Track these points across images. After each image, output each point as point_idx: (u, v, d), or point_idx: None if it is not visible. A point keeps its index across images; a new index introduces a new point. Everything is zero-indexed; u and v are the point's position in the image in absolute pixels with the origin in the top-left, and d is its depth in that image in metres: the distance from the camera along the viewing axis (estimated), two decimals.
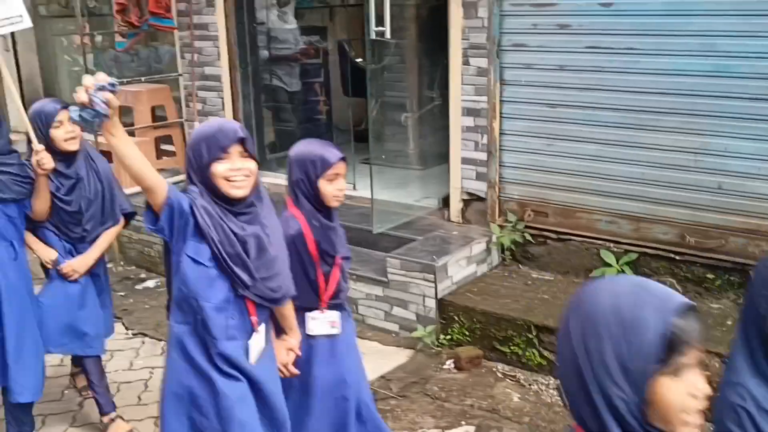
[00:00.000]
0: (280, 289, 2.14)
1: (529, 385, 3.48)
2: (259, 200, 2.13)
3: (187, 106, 5.72)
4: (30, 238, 3.03)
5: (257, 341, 2.16)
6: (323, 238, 2.41)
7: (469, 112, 4.24)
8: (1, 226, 2.86)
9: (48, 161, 2.80)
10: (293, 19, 5.91)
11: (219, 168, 1.99)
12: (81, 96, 1.80)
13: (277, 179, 5.58)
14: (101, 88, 1.80)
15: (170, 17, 5.51)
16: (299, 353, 2.40)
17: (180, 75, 5.72)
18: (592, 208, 3.96)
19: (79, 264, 3.07)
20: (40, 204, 2.92)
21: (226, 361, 2.10)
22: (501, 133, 4.17)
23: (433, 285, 3.81)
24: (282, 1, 5.81)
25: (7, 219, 2.88)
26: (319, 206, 2.40)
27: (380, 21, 3.92)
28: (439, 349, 3.79)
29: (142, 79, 6.02)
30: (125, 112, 5.70)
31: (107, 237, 3.17)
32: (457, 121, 4.30)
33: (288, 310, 2.31)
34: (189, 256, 2.03)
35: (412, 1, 4.86)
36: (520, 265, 4.22)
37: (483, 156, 4.24)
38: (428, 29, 4.83)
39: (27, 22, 2.99)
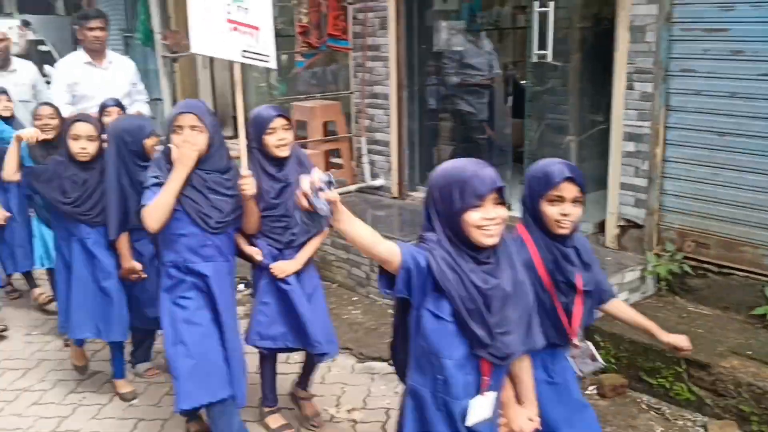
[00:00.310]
0: (513, 344, 1.94)
1: (675, 419, 3.36)
2: (504, 244, 1.96)
3: (356, 122, 6.06)
4: (239, 239, 3.09)
5: (481, 404, 1.97)
6: (555, 266, 2.21)
7: (631, 137, 4.17)
8: (223, 245, 2.91)
9: (251, 187, 2.86)
10: (487, 43, 6.06)
11: (473, 217, 1.85)
12: (302, 202, 1.81)
13: None
14: (320, 190, 1.78)
15: (346, 39, 5.89)
16: (539, 426, 2.17)
17: (351, 93, 6.08)
18: (758, 242, 3.75)
19: (288, 265, 3.12)
20: (250, 220, 2.99)
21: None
22: (664, 160, 4.06)
23: None
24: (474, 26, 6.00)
25: (228, 237, 2.94)
26: (544, 229, 2.21)
27: (543, 44, 3.97)
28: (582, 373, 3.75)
29: (317, 95, 6.46)
30: (300, 125, 6.15)
31: (314, 243, 3.20)
32: (618, 145, 4.24)
33: (525, 373, 2.14)
34: (429, 311, 1.91)
35: (577, 24, 4.86)
36: (677, 297, 4.07)
37: (643, 182, 4.15)
38: (592, 52, 4.80)
39: (272, 64, 3.15)
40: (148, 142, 3.42)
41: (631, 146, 4.18)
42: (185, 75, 9.21)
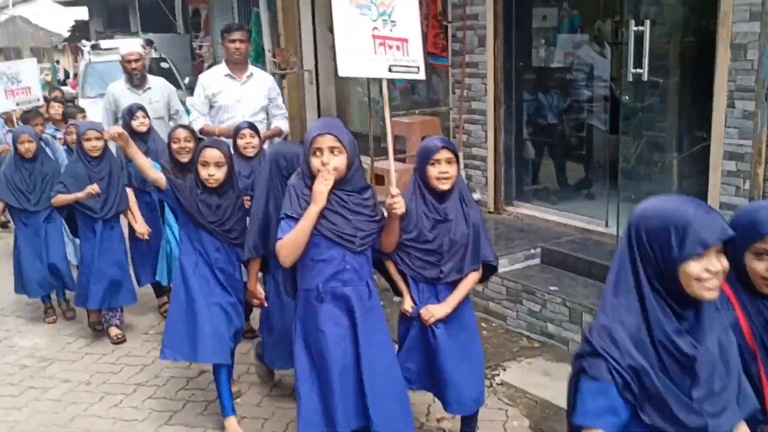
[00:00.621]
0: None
1: None
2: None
3: (454, 137, 6.18)
4: (391, 266, 3.05)
5: None
6: (764, 330, 1.91)
7: (732, 156, 4.09)
8: (362, 268, 2.84)
9: (401, 207, 2.78)
10: (586, 58, 6.07)
11: (694, 268, 1.59)
12: None
13: (532, 211, 5.81)
14: None
15: (445, 56, 6.04)
16: None
17: (450, 108, 6.21)
18: None
19: (437, 309, 2.98)
20: (390, 239, 2.92)
21: None
22: (765, 180, 3.96)
23: None
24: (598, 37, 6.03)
25: (366, 259, 2.87)
26: (750, 285, 1.90)
27: (639, 63, 3.97)
28: None
29: (416, 111, 6.63)
30: (399, 140, 6.34)
31: (468, 283, 3.03)
32: (718, 164, 4.17)
33: None
34: None
35: (676, 41, 4.79)
36: None
37: (744, 202, 4.06)
38: (692, 70, 4.72)
39: (422, 74, 3.09)
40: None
41: (731, 165, 4.10)
42: (293, 90, 9.65)
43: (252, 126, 4.38)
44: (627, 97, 4.71)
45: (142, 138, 4.86)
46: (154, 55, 13.31)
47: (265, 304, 3.58)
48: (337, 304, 2.79)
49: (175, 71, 13.23)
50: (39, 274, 5.21)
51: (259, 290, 3.55)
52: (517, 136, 5.93)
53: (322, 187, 2.65)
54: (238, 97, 5.12)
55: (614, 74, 5.69)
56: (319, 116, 9.35)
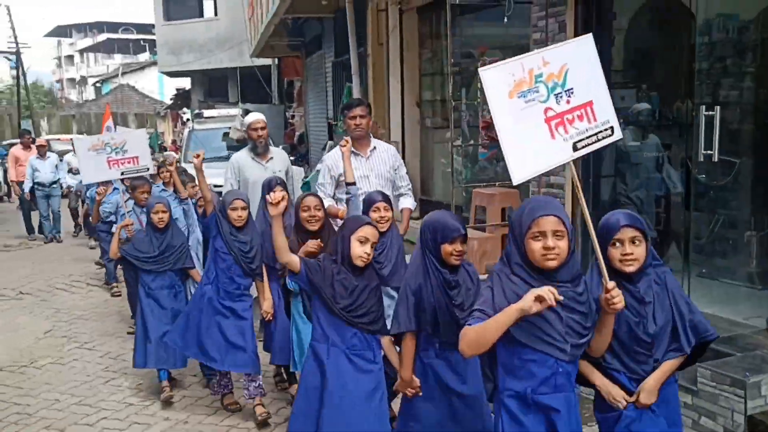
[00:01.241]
0: None
1: None
2: None
3: None
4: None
5: None
6: None
7: None
8: (574, 372, 2.56)
9: (620, 301, 2.46)
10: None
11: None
12: None
13: None
14: None
15: None
16: None
17: (529, 182, 6.51)
18: None
19: (650, 391, 2.64)
20: (603, 341, 2.59)
21: None
22: None
23: (742, 401, 3.85)
24: None
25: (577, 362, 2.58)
26: None
27: (709, 145, 4.21)
28: None
29: (496, 183, 6.97)
30: (479, 210, 6.67)
31: (667, 368, 2.68)
32: None
33: None
34: None
35: (748, 123, 4.99)
36: None
37: None
38: (765, 149, 4.89)
39: (617, 133, 2.76)
40: (446, 248, 3.04)
41: None
42: None
43: (386, 198, 4.19)
44: (703, 176, 4.91)
45: None
46: None
47: (420, 394, 3.17)
48: (542, 413, 2.47)
49: (269, 139, 14.01)
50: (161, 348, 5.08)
51: (416, 381, 3.15)
52: (595, 209, 6.15)
53: (545, 292, 2.24)
54: (365, 173, 4.97)
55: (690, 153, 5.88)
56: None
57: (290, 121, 19.57)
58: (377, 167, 5.05)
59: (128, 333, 6.44)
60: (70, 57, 69.71)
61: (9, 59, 35.87)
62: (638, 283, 2.63)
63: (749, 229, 5.04)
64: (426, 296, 3.03)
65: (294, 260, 3.33)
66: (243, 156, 5.98)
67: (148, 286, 5.20)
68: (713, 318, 4.72)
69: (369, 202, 4.14)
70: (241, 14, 19.16)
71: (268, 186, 4.77)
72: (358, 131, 5.04)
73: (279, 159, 6.03)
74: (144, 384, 5.54)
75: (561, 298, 2.28)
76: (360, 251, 3.23)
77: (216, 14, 25.60)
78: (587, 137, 2.63)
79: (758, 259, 5.31)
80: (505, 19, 5.89)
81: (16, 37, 30.92)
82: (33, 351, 6.51)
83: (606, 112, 2.65)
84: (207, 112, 15.86)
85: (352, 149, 4.95)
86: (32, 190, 12.14)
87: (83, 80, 65.66)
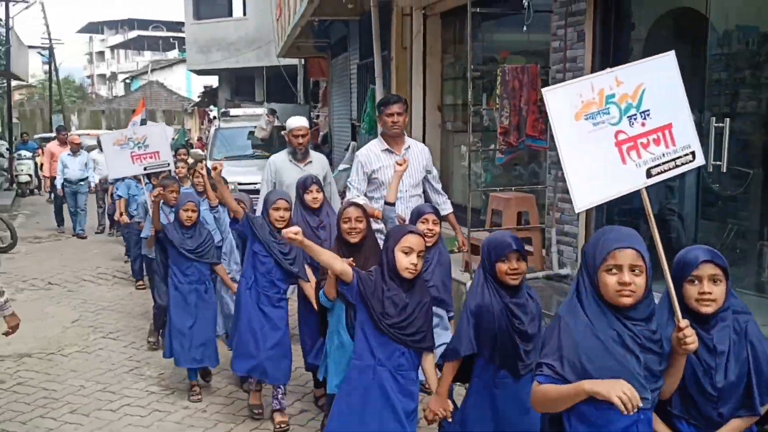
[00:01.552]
0: None
1: None
2: None
3: (548, 213, 6.57)
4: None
5: None
6: None
7: None
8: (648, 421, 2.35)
9: (694, 341, 2.30)
10: None
11: None
12: None
13: None
14: None
15: (544, 139, 6.49)
16: None
17: (546, 187, 6.63)
18: None
19: None
20: (674, 382, 2.40)
21: None
22: None
23: None
24: None
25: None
26: None
27: (719, 155, 4.30)
28: None
29: (512, 188, 7.08)
30: (496, 214, 6.78)
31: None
32: None
33: None
34: None
35: (760, 134, 5.06)
36: None
37: None
38: None
39: (699, 159, 2.60)
40: (501, 267, 2.97)
41: None
42: None
43: (436, 211, 4.10)
44: (717, 186, 4.99)
45: (315, 213, 4.68)
46: (277, 123, 14.37)
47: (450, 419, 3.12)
48: None
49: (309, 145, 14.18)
50: (189, 348, 5.17)
51: (449, 404, 3.11)
52: (608, 215, 6.25)
53: (629, 398, 2.02)
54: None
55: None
56: None
57: (315, 120, 19.78)
58: (410, 166, 4.88)
59: (149, 342, 6.51)
60: (101, 53, 70.76)
61: (42, 54, 36.56)
62: (712, 329, 2.42)
63: (755, 238, 5.11)
64: (486, 319, 2.94)
65: (348, 271, 3.20)
66: (281, 158, 5.89)
67: (178, 280, 5.25)
68: None
69: (418, 213, 4.04)
70: (269, 14, 19.43)
71: (303, 185, 4.71)
72: (395, 129, 4.95)
73: (318, 163, 5.90)
74: (166, 374, 5.75)
75: (640, 405, 2.06)
76: (406, 262, 3.09)
77: (245, 14, 25.92)
78: (664, 162, 2.48)
79: (763, 268, 5.37)
80: (524, 28, 5.98)
81: (49, 33, 31.56)
82: (60, 339, 6.76)
83: (687, 136, 2.50)
84: (233, 111, 16.12)
85: (387, 147, 4.93)
86: (62, 185, 12.45)
87: (113, 76, 66.63)
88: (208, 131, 17.50)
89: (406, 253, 3.10)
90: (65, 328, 7.15)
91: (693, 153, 2.52)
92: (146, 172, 6.42)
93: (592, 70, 5.91)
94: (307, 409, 5.03)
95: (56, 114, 34.14)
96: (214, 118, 21.16)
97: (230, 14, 27.65)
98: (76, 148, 12.53)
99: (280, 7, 16.80)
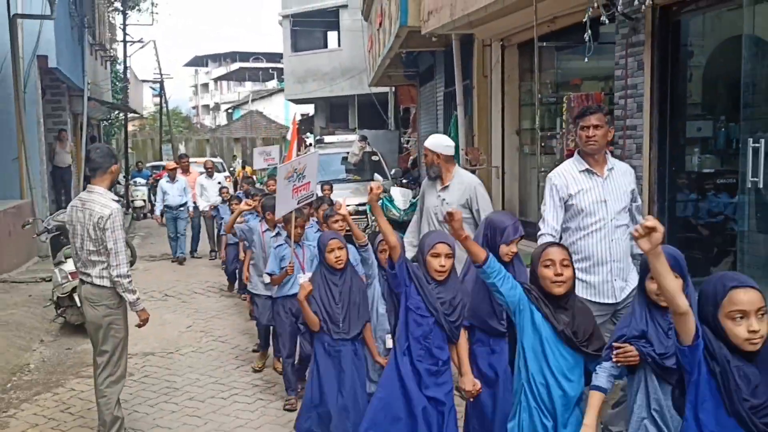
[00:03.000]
0: None
1: None
2: None
3: None
4: None
5: None
6: None
7: None
8: None
9: None
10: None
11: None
12: None
13: None
14: None
15: None
16: None
17: None
18: None
19: None
20: None
21: None
22: None
23: None
24: None
25: None
26: None
27: (755, 173, 4.73)
28: None
29: None
30: None
31: None
32: None
33: None
34: None
35: None
36: None
37: None
38: None
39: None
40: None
41: None
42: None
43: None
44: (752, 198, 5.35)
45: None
46: (368, 149, 15.23)
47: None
48: None
49: (383, 163, 15.06)
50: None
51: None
52: (671, 230, 6.65)
53: None
54: (602, 197, 4.13)
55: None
56: (503, 207, 10.49)
57: (405, 146, 20.58)
58: (616, 190, 4.20)
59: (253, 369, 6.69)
60: (205, 85, 74.73)
61: (153, 88, 39.27)
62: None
63: None
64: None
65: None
66: (425, 184, 5.62)
67: (327, 342, 4.25)
68: None
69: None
70: (362, 45, 20.51)
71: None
72: (592, 145, 4.15)
73: (457, 189, 5.23)
74: (269, 369, 6.59)
75: None
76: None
77: (339, 45, 27.27)
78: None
79: None
80: (586, 59, 6.52)
81: (160, 69, 33.96)
82: (177, 341, 7.76)
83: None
84: (327, 138, 17.18)
85: (587, 168, 4.17)
86: (162, 212, 12.75)
87: (216, 107, 70.19)
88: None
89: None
90: (180, 332, 8.15)
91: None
92: (299, 205, 5.27)
93: (652, 96, 6.43)
94: None
95: (165, 144, 36.54)
96: (310, 144, 22.32)
97: (325, 46, 29.14)
98: (173, 175, 12.86)
99: (372, 40, 17.82)
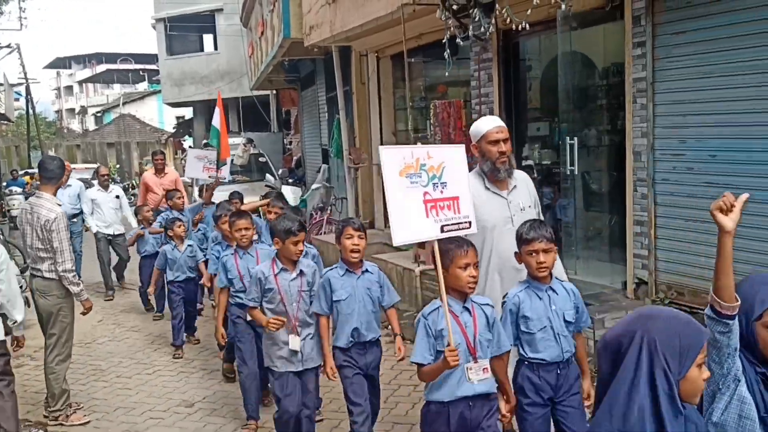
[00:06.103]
0: None
1: None
2: None
3: None
4: None
5: None
6: None
7: (637, 222, 6.22)
8: None
9: None
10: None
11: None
12: None
13: None
14: None
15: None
16: None
17: None
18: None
19: None
20: None
21: None
22: (656, 238, 6.08)
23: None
24: None
25: None
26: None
27: (572, 163, 6.21)
28: None
29: None
30: None
31: None
32: (630, 228, 6.30)
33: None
34: None
35: (603, 148, 7.03)
36: None
37: (646, 253, 6.16)
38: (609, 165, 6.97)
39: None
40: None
41: (638, 229, 6.22)
42: (364, 181, 12.09)
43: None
44: (564, 189, 6.91)
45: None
46: (253, 151, 15.98)
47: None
48: None
49: (270, 164, 15.90)
50: None
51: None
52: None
53: None
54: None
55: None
56: (384, 201, 11.65)
57: (288, 147, 21.35)
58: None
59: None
60: (69, 87, 71.78)
61: (18, 93, 37.76)
62: None
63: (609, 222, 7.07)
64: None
65: None
66: (473, 184, 3.82)
67: None
68: (591, 285, 6.69)
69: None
70: (240, 48, 21.13)
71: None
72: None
73: (524, 187, 4.18)
74: (188, 347, 7.49)
75: None
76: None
77: (216, 48, 27.68)
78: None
79: (610, 240, 7.31)
80: (446, 73, 7.81)
81: (26, 74, 32.83)
82: (93, 333, 8.46)
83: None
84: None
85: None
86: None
87: (83, 110, 67.66)
88: (184, 161, 19.02)
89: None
90: (94, 326, 8.80)
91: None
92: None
93: (500, 102, 7.86)
94: None
95: (34, 150, 35.32)
96: (190, 147, 22.63)
97: (202, 49, 29.41)
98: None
99: (253, 46, 18.61)
